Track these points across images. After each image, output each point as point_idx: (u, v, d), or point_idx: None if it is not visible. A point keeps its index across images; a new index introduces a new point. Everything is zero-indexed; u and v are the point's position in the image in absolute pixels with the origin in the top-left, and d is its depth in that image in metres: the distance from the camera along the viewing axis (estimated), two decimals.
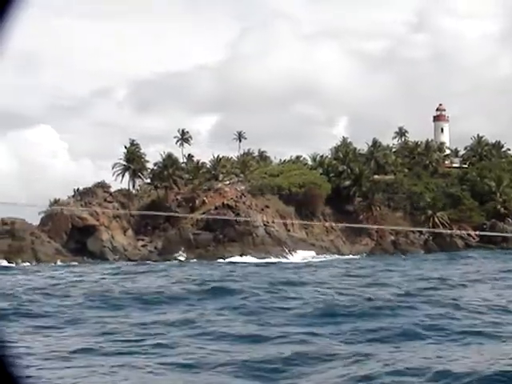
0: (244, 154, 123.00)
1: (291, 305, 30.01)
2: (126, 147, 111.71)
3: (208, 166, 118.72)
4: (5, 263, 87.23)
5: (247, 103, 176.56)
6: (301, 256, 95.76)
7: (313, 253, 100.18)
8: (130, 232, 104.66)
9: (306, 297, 32.98)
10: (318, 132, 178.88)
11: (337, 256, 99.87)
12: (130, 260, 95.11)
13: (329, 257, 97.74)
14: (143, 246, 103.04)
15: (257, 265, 72.67)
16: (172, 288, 39.33)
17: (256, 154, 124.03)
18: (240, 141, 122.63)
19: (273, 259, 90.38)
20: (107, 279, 50.75)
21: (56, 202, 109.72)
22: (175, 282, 44.18)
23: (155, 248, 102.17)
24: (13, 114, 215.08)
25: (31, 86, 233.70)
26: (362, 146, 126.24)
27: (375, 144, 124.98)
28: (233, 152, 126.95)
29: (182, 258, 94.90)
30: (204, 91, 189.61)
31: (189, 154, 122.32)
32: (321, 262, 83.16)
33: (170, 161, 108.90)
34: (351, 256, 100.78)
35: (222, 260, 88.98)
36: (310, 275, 51.99)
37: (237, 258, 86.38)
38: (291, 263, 78.98)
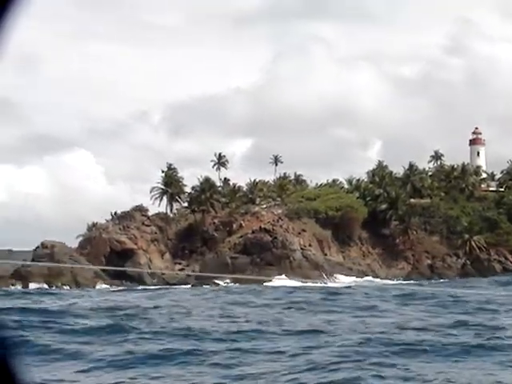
0: (280, 177, 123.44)
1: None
2: (163, 171, 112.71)
3: (244, 189, 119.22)
4: (45, 287, 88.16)
5: (281, 126, 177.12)
6: (342, 280, 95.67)
7: (353, 278, 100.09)
8: (167, 256, 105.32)
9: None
10: (352, 155, 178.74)
11: (378, 280, 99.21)
12: (168, 284, 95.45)
13: (368, 280, 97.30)
14: (181, 269, 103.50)
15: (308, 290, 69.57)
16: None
17: (292, 177, 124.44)
18: (276, 164, 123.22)
19: (311, 283, 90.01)
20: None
21: (94, 225, 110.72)
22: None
23: (193, 271, 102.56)
24: (50, 138, 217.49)
25: (68, 110, 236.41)
26: (397, 169, 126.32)
27: (411, 167, 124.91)
28: (267, 175, 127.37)
29: (223, 283, 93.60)
30: (239, 114, 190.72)
31: (225, 178, 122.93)
32: (366, 286, 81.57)
33: (207, 184, 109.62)
34: (394, 281, 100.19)
35: (267, 283, 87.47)
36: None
37: (282, 281, 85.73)
38: (340, 287, 77.77)
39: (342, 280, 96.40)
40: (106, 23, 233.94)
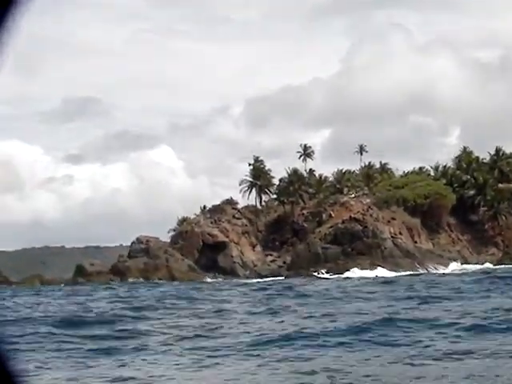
0: (365, 166, 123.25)
1: None
2: (250, 164, 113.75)
3: (330, 179, 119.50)
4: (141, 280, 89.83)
5: (360, 116, 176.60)
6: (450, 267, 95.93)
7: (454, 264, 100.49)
8: (258, 247, 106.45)
9: None
10: (431, 142, 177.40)
11: (479, 266, 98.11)
12: (260, 276, 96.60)
13: (471, 267, 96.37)
14: (272, 261, 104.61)
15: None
16: None
17: (377, 166, 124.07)
18: (361, 154, 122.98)
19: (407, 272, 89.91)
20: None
21: (185, 219, 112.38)
22: None
23: (284, 263, 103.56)
24: (134, 135, 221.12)
25: (151, 107, 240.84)
26: (478, 154, 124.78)
27: (498, 152, 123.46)
28: (348, 165, 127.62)
29: (324, 275, 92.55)
30: (318, 105, 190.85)
31: (310, 169, 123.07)
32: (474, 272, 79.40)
33: (295, 176, 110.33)
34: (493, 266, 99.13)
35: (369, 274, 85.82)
36: None
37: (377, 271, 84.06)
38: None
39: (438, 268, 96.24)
40: (184, 20, 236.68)
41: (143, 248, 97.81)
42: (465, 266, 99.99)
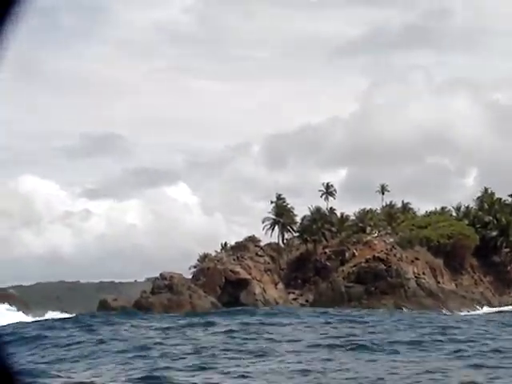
0: (387, 205, 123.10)
1: None
2: (272, 202, 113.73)
3: (351, 218, 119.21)
4: None
5: (378, 155, 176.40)
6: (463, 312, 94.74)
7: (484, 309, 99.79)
8: (280, 285, 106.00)
9: None
10: (449, 183, 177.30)
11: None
12: None
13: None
14: (294, 299, 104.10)
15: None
16: None
17: (399, 205, 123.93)
18: (383, 193, 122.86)
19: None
20: None
21: (206, 256, 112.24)
22: None
23: (306, 301, 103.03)
24: (150, 171, 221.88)
25: (168, 145, 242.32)
26: (498, 195, 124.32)
27: None
28: (367, 204, 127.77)
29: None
30: (336, 144, 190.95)
31: (330, 208, 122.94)
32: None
33: (318, 214, 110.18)
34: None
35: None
36: None
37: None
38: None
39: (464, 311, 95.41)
40: (200, 58, 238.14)
41: (166, 284, 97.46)
42: (495, 308, 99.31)
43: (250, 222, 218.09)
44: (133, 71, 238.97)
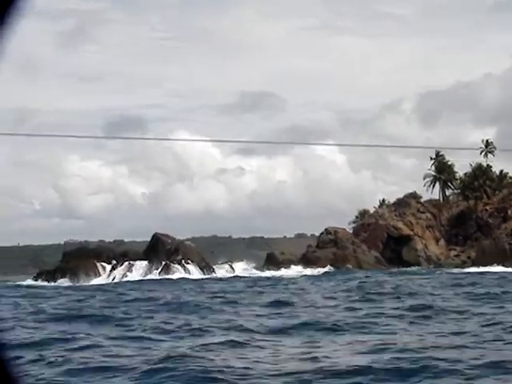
0: None
1: None
2: (431, 158, 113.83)
3: (510, 175, 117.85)
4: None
5: None
6: None
7: None
8: (442, 241, 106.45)
9: None
10: None
11: None
12: None
13: None
14: (456, 255, 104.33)
15: None
16: None
17: None
18: None
19: None
20: None
21: (365, 212, 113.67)
22: None
23: (468, 258, 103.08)
24: (302, 130, 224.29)
25: (320, 103, 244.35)
26: None
27: None
28: None
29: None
30: (489, 101, 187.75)
31: (487, 165, 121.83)
32: None
33: (479, 171, 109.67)
34: None
35: None
36: None
37: None
38: None
39: None
40: (347, 16, 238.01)
41: (331, 239, 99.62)
42: None
43: (399, 180, 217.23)
44: (282, 30, 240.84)
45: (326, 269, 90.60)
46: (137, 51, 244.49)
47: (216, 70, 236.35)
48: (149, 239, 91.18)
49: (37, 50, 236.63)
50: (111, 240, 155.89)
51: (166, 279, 76.36)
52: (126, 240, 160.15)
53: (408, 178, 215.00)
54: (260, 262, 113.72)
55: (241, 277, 78.98)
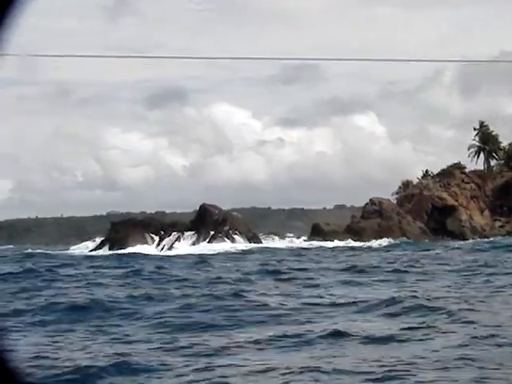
0: None
1: None
2: (475, 129, 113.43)
3: None
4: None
5: None
6: None
7: None
8: (486, 212, 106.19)
9: None
10: None
11: None
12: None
13: None
14: (501, 226, 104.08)
15: None
16: None
17: None
18: None
19: None
20: None
21: (408, 183, 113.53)
22: None
23: None
24: (342, 101, 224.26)
25: (362, 74, 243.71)
26: None
27: None
28: None
29: None
30: None
31: None
32: None
33: None
34: None
35: None
36: None
37: None
38: None
39: None
40: None
41: (376, 209, 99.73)
42: None
43: (439, 151, 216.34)
44: (321, 1, 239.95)
45: (383, 241, 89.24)
46: (174, 23, 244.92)
47: (254, 41, 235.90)
48: (189, 210, 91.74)
49: (80, 24, 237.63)
50: (153, 211, 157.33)
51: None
52: (167, 211, 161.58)
53: (448, 148, 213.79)
54: (300, 232, 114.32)
55: (303, 248, 78.58)
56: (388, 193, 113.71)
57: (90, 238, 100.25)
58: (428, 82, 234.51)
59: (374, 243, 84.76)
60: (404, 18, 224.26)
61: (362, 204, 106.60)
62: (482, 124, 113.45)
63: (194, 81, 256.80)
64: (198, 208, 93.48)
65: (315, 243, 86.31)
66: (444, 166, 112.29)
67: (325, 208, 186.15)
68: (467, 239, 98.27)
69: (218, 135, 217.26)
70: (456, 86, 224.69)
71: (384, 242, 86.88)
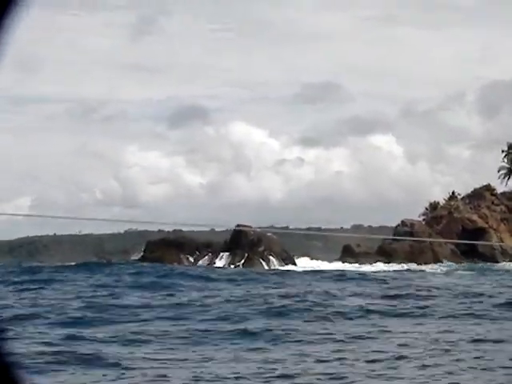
0: None
1: None
2: (503, 151, 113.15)
3: None
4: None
5: None
6: None
7: None
8: None
9: None
10: None
11: None
12: None
13: None
14: None
15: None
16: None
17: None
18: None
19: None
20: None
21: (436, 204, 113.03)
22: None
23: None
24: (361, 121, 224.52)
25: (381, 94, 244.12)
26: None
27: None
28: None
29: None
30: None
31: None
32: None
33: None
34: None
35: None
36: None
37: None
38: None
39: None
40: (411, 7, 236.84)
41: (408, 231, 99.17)
42: None
43: (456, 172, 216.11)
44: (342, 21, 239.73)
45: (436, 265, 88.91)
46: (194, 42, 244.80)
47: (275, 61, 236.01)
48: (206, 229, 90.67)
49: (102, 42, 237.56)
50: (170, 230, 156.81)
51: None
52: (184, 230, 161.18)
53: (465, 169, 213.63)
54: (317, 252, 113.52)
55: (342, 270, 74.82)
56: (405, 213, 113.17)
57: (106, 255, 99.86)
58: (448, 102, 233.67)
59: (428, 267, 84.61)
60: (426, 38, 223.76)
61: (379, 224, 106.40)
62: (510, 146, 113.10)
63: (213, 100, 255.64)
64: (214, 227, 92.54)
65: (380, 265, 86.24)
66: (461, 187, 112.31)
67: (342, 227, 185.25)
68: (498, 262, 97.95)
69: (236, 154, 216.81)
70: (476, 105, 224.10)
71: (435, 266, 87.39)
